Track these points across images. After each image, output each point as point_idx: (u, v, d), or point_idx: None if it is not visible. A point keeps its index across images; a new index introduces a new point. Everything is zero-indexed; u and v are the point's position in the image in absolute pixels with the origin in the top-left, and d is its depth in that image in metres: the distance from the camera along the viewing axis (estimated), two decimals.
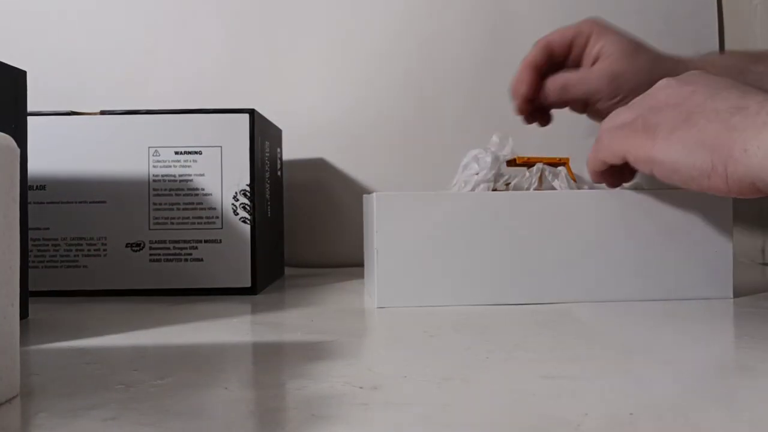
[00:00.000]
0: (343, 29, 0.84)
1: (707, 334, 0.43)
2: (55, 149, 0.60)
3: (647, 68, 0.60)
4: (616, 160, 0.49)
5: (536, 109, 0.64)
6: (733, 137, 0.41)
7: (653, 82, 0.52)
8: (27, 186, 0.52)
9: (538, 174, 0.57)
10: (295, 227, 0.82)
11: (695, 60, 0.63)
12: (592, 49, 0.61)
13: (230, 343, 0.42)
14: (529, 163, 0.58)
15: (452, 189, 0.58)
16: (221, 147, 0.60)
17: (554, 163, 0.58)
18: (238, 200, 0.60)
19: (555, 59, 0.62)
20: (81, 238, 0.60)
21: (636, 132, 0.47)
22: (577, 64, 0.63)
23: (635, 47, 0.61)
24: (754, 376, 0.34)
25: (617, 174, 0.52)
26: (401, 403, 0.29)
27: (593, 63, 0.62)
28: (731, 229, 0.54)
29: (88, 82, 0.82)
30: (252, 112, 0.60)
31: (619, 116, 0.50)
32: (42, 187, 0.60)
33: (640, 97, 0.50)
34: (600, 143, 0.50)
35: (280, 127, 0.74)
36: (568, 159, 0.58)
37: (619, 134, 0.48)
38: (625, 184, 0.54)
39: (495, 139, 0.59)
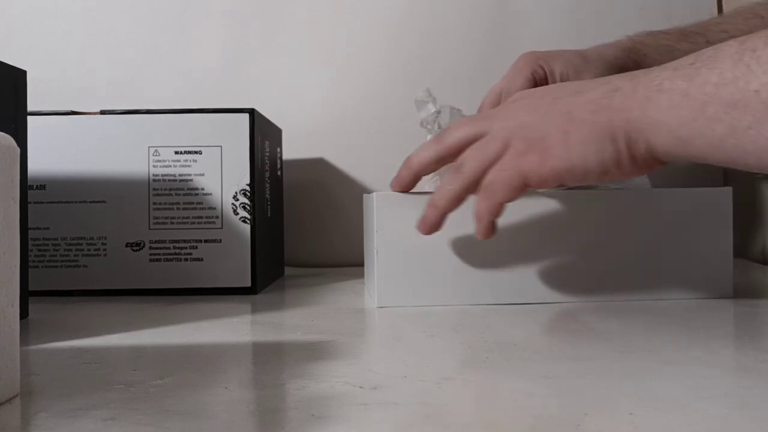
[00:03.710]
0: (343, 29, 0.84)
1: (707, 334, 0.43)
2: (55, 149, 0.60)
3: (600, 65, 0.60)
4: (516, 194, 0.46)
5: None
6: (623, 119, 0.42)
7: (609, 74, 0.53)
8: (27, 186, 0.52)
9: None
10: (295, 227, 0.82)
11: (624, 41, 0.63)
12: (555, 78, 0.59)
13: (230, 343, 0.42)
14: None
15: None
16: (221, 147, 0.60)
17: None
18: (238, 200, 0.60)
19: None
20: (81, 238, 0.60)
21: (523, 155, 0.45)
22: None
23: (580, 57, 0.60)
24: (754, 376, 0.34)
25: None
26: (401, 403, 0.29)
27: None
28: (731, 229, 0.54)
29: (88, 82, 0.82)
30: (252, 112, 0.60)
31: (486, 152, 0.46)
32: (42, 187, 0.60)
33: (501, 112, 0.48)
34: (491, 189, 0.46)
35: (280, 127, 0.74)
36: None
37: (508, 167, 0.45)
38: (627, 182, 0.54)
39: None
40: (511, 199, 0.47)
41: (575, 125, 0.43)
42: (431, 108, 0.56)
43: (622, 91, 0.42)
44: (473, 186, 0.47)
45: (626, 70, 0.60)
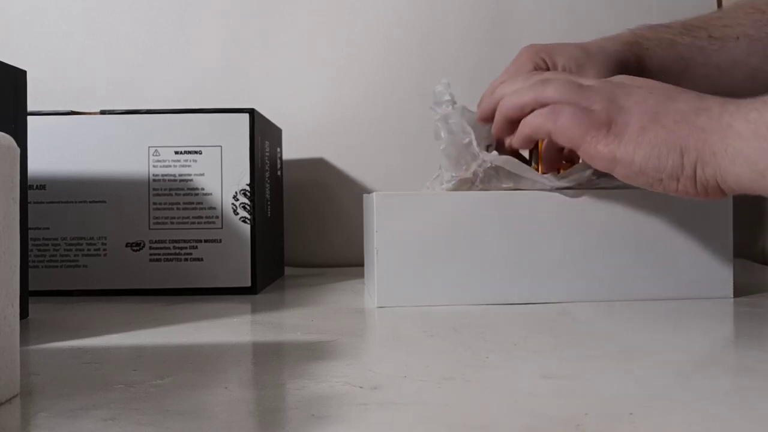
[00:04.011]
0: (343, 29, 0.84)
1: (707, 334, 0.43)
2: (55, 149, 0.60)
3: (602, 59, 0.60)
4: (565, 143, 0.47)
5: None
6: (701, 139, 0.42)
7: (611, 66, 0.56)
8: (27, 186, 0.52)
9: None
10: (295, 227, 0.82)
11: (625, 35, 0.63)
12: (558, 71, 0.60)
13: (230, 343, 0.42)
14: None
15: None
16: (221, 147, 0.60)
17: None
18: (238, 200, 0.60)
19: None
20: (81, 238, 0.60)
21: (600, 124, 0.45)
22: None
23: (581, 49, 0.61)
24: (754, 376, 0.34)
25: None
26: (401, 403, 0.29)
27: None
28: (731, 229, 0.54)
29: (88, 82, 0.82)
30: (252, 112, 0.60)
31: (576, 96, 0.47)
32: (42, 187, 0.60)
33: (600, 83, 0.48)
34: (557, 116, 0.47)
35: (280, 127, 0.74)
36: None
37: (581, 120, 0.46)
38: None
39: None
40: (556, 140, 0.47)
41: (654, 126, 0.44)
42: (447, 98, 0.56)
43: (709, 112, 0.42)
44: (540, 106, 0.48)
45: (627, 63, 0.61)
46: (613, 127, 0.45)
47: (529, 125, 0.49)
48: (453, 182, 0.54)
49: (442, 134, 0.55)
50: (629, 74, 0.60)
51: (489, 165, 0.53)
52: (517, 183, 0.53)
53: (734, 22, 0.64)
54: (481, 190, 0.54)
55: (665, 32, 0.64)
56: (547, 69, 0.59)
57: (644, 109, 0.45)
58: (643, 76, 0.62)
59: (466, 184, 0.55)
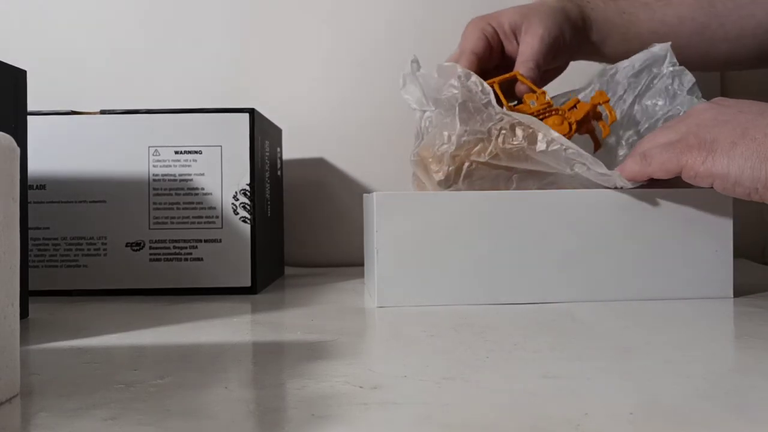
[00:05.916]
0: (343, 29, 0.84)
1: (707, 334, 0.43)
2: (55, 149, 0.60)
3: (545, 10, 0.62)
4: (667, 176, 0.50)
5: None
6: None
7: (559, 21, 0.59)
8: (27, 186, 0.52)
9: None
10: (295, 227, 0.82)
11: None
12: (505, 29, 0.63)
13: (230, 343, 0.42)
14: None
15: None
16: (221, 146, 0.60)
17: (507, 79, 0.60)
18: (238, 200, 0.60)
19: (483, 64, 0.63)
20: (81, 238, 0.60)
21: (690, 148, 0.48)
22: (500, 52, 0.64)
23: (525, 7, 0.64)
24: (754, 376, 0.34)
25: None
26: (401, 402, 0.29)
27: (515, 39, 0.63)
28: (731, 229, 0.54)
29: (88, 82, 0.82)
30: (252, 112, 0.60)
31: (661, 136, 0.51)
32: (42, 187, 0.60)
33: (678, 119, 0.51)
34: (650, 159, 0.50)
35: (280, 126, 0.74)
36: (517, 72, 0.60)
37: (672, 151, 0.49)
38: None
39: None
40: (658, 177, 0.50)
41: (745, 140, 0.46)
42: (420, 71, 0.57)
43: None
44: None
45: (570, 14, 0.64)
46: (705, 146, 0.47)
47: (627, 172, 0.52)
48: (465, 138, 0.54)
49: (457, 92, 0.54)
50: (573, 25, 0.65)
51: (506, 122, 0.53)
52: (531, 142, 0.53)
53: None
54: (493, 157, 0.54)
55: None
56: (494, 32, 0.63)
57: (733, 126, 0.47)
58: (586, 28, 0.65)
59: (478, 146, 0.54)
